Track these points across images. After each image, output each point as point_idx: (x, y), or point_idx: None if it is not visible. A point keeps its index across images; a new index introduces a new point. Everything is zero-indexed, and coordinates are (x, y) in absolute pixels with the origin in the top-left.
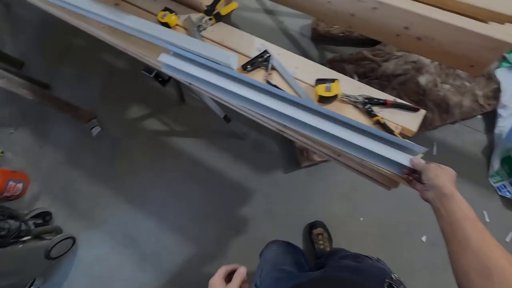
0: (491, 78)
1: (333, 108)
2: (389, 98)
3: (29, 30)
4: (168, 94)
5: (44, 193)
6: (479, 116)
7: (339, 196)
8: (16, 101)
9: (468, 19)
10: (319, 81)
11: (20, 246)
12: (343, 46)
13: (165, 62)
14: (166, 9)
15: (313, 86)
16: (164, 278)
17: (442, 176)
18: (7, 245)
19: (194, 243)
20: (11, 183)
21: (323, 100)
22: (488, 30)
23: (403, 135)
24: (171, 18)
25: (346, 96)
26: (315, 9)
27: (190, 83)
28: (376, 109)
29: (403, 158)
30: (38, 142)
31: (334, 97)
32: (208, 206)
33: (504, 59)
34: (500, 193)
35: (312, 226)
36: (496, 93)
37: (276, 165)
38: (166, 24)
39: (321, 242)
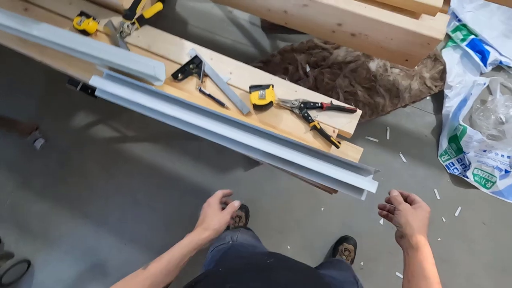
0: (437, 59)
1: (268, 115)
2: (325, 100)
3: None
4: None
5: None
6: (428, 98)
7: (301, 191)
8: None
9: (398, 14)
10: (253, 88)
11: None
12: (295, 34)
13: (98, 86)
14: (82, 13)
15: (248, 93)
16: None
17: (413, 222)
18: None
19: (157, 250)
20: None
21: (258, 108)
22: (416, 26)
23: (341, 138)
24: (89, 25)
25: (283, 101)
26: (250, 6)
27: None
28: (313, 113)
29: (360, 182)
30: None
31: (270, 104)
32: (171, 212)
33: (450, 38)
34: (449, 171)
35: (344, 239)
36: (442, 74)
37: (237, 164)
38: (84, 32)
39: (345, 257)
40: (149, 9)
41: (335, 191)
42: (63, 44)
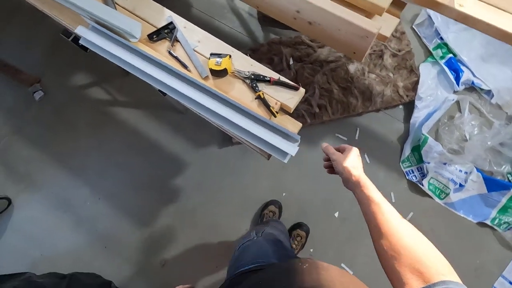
0: (413, 71)
1: (223, 82)
2: (274, 76)
3: None
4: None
5: None
6: (400, 106)
7: (267, 174)
8: None
9: (347, 9)
10: (213, 55)
11: None
12: (288, 30)
13: (82, 35)
14: None
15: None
16: (97, 242)
17: (347, 164)
18: None
19: (128, 210)
20: None
21: (214, 73)
22: (356, 19)
23: (283, 111)
24: None
25: (237, 71)
26: None
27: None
28: (261, 86)
29: (285, 146)
30: None
31: (224, 71)
32: (145, 176)
33: (430, 54)
34: (407, 177)
35: (298, 226)
36: (415, 86)
37: (212, 141)
38: None
39: (296, 242)
40: None
41: (270, 156)
42: None
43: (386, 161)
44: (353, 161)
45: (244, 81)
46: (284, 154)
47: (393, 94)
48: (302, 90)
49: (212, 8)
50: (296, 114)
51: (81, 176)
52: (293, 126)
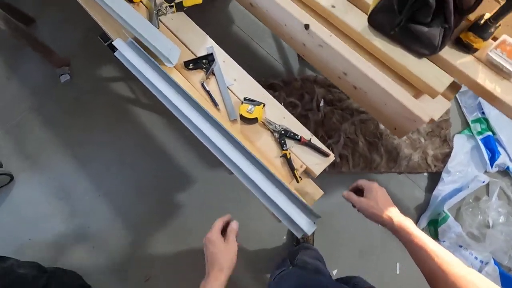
0: (446, 141)
1: (250, 129)
2: (305, 135)
3: None
4: None
5: None
6: (425, 174)
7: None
8: None
9: (398, 85)
10: (246, 100)
11: None
12: None
13: (119, 48)
14: None
15: (241, 103)
16: (86, 240)
17: (376, 210)
18: None
19: (125, 215)
20: None
21: (243, 119)
22: (408, 101)
23: (307, 175)
24: None
25: (268, 122)
26: (277, 29)
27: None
28: (290, 143)
29: (304, 222)
30: (6, 73)
31: (255, 120)
32: (149, 183)
33: (468, 126)
34: None
35: None
36: (445, 157)
37: (225, 165)
38: None
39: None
40: (189, 0)
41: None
42: (107, 2)
43: None
44: (380, 204)
45: (273, 134)
46: (299, 229)
47: (421, 161)
48: (331, 157)
49: (254, 29)
50: None
51: (86, 168)
52: (315, 191)
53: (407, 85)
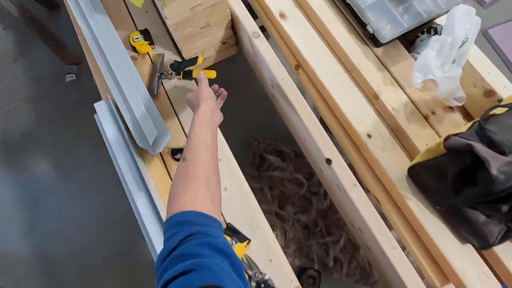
0: None
1: None
2: None
3: None
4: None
5: None
6: None
7: None
8: None
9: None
10: (229, 230)
11: None
12: None
13: (98, 112)
14: (143, 32)
15: None
16: (37, 263)
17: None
18: None
19: (88, 245)
20: None
21: None
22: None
23: None
24: (141, 46)
25: (249, 262)
26: (295, 134)
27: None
28: None
29: None
30: (15, 53)
31: None
32: (120, 221)
33: None
34: None
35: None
36: None
37: None
38: (134, 48)
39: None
40: (199, 70)
41: None
42: (103, 52)
43: None
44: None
45: (250, 280)
46: None
47: None
48: None
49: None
50: (306, 254)
51: (66, 182)
52: None
53: (436, 267)
